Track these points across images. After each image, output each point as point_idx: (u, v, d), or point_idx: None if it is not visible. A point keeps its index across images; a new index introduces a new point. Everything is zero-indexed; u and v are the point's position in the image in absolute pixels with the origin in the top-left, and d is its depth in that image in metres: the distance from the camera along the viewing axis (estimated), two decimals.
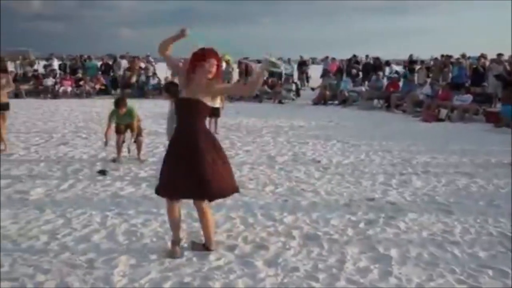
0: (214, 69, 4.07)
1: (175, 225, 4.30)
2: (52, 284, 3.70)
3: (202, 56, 4.04)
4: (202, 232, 4.42)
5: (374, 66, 21.65)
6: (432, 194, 6.25)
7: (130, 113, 7.76)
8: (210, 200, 4.32)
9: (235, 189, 4.35)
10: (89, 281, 3.74)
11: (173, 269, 3.97)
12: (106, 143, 7.66)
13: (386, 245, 4.54)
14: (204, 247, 4.36)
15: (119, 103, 7.68)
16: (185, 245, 4.47)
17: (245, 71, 23.27)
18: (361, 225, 5.08)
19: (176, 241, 4.32)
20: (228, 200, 5.80)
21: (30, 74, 21.64)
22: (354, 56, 23.93)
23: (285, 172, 7.37)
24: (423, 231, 4.92)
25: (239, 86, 4.27)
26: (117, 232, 4.77)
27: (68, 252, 4.30)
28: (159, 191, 4.22)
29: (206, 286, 3.71)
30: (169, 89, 7.08)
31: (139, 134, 7.90)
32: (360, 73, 21.67)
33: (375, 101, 16.99)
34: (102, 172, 7.04)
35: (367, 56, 24.13)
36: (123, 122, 7.80)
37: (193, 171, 3.99)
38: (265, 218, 5.27)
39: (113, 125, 7.78)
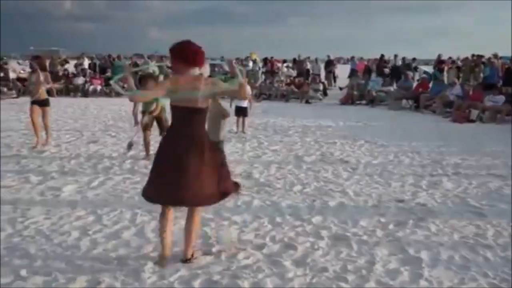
0: (179, 67, 3.83)
1: (163, 234, 4.00)
2: (84, 279, 3.76)
3: (189, 55, 3.84)
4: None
5: (403, 66, 21.39)
6: (464, 196, 6.13)
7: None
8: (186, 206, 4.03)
9: (214, 200, 4.01)
10: (120, 277, 3.79)
11: (202, 267, 3.99)
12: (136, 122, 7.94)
13: (416, 247, 4.48)
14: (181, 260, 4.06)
15: (143, 80, 7.62)
16: (214, 242, 4.50)
17: (271, 70, 23.28)
18: (391, 226, 5.02)
19: (163, 256, 4.02)
20: (256, 200, 5.83)
21: (61, 73, 22.05)
22: (382, 56, 23.68)
23: (312, 172, 7.33)
24: (454, 233, 4.83)
25: (233, 89, 4.08)
26: (146, 229, 4.82)
27: (99, 248, 4.37)
28: (145, 193, 3.99)
29: (235, 285, 3.72)
30: None
31: (166, 127, 7.83)
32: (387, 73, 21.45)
33: (404, 101, 16.77)
34: (129, 145, 7.65)
35: (395, 56, 23.86)
36: (150, 108, 7.73)
37: (175, 177, 3.74)
38: (293, 218, 5.26)
39: (140, 116, 7.81)
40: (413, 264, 4.12)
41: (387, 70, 21.53)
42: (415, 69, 22.41)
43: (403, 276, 3.90)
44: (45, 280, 3.74)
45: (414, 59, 23.76)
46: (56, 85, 20.01)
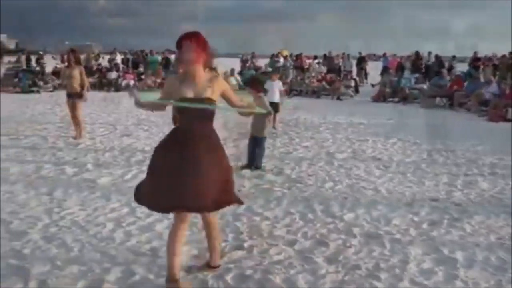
0: (193, 55, 3.35)
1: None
2: (118, 270, 3.82)
3: (178, 43, 3.39)
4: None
5: (437, 64, 21.01)
6: (500, 197, 5.99)
7: None
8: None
9: (216, 207, 3.48)
10: (153, 269, 3.84)
11: (235, 261, 4.01)
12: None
13: (451, 247, 4.39)
14: (207, 266, 3.83)
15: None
16: (246, 237, 4.51)
17: (301, 66, 23.18)
18: (424, 225, 4.94)
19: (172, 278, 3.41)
20: (287, 196, 5.82)
21: (95, 68, 22.45)
22: (418, 52, 23.30)
23: (344, 169, 7.27)
24: (490, 234, 4.73)
25: (249, 111, 3.84)
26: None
27: (133, 240, 4.44)
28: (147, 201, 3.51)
29: (267, 280, 3.72)
30: (254, 83, 7.20)
31: None
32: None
33: (438, 99, 16.46)
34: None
35: (429, 53, 23.46)
36: None
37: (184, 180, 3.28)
38: (325, 215, 5.23)
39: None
40: (447, 264, 4.05)
41: (422, 67, 21.18)
42: (450, 68, 21.92)
43: (437, 276, 3.83)
44: (81, 270, 3.81)
45: (454, 57, 23.27)
46: (90, 80, 20.48)
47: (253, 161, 7.10)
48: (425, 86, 17.68)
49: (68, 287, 3.56)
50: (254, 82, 7.57)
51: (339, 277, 3.79)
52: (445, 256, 4.22)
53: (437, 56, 22.38)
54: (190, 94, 3.39)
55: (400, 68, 21.07)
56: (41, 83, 20.03)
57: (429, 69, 20.83)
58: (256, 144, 7.10)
